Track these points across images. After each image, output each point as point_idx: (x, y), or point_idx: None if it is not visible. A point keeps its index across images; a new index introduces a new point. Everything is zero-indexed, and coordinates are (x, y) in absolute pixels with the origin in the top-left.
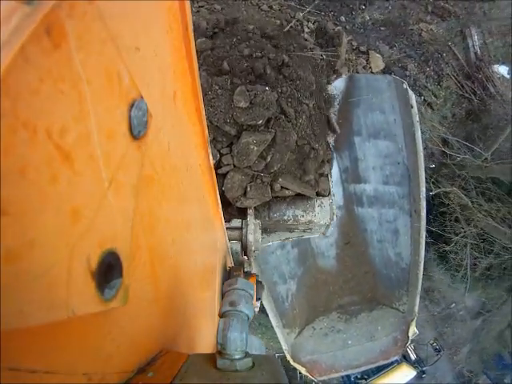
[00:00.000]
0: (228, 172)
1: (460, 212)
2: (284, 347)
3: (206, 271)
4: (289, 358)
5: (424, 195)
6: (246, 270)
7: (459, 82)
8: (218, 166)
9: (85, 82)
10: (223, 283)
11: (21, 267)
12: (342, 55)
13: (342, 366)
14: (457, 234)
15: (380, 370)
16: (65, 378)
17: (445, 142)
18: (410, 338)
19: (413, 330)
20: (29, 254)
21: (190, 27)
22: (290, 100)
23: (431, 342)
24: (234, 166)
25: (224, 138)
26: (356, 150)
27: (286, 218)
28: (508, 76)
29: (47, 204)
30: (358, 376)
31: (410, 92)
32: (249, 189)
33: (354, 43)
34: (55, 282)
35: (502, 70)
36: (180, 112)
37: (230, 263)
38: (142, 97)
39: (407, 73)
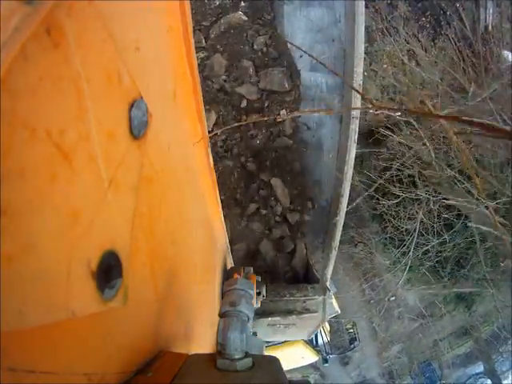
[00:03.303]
0: None
1: (418, 169)
2: None
3: (205, 271)
4: None
5: (360, 82)
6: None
7: (458, 48)
8: None
9: (84, 82)
10: (223, 283)
11: (20, 268)
12: None
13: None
14: (405, 192)
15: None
16: (64, 378)
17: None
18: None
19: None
20: (28, 255)
21: (190, 27)
22: None
23: (347, 327)
24: None
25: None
26: (283, 24)
27: None
28: None
29: (47, 204)
30: None
31: None
32: None
33: None
34: (55, 282)
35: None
36: (180, 112)
37: (230, 263)
38: (141, 97)
39: (395, 12)
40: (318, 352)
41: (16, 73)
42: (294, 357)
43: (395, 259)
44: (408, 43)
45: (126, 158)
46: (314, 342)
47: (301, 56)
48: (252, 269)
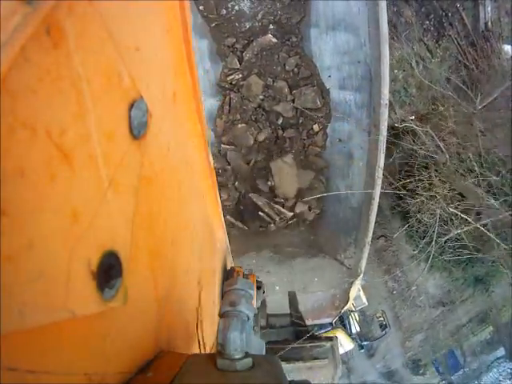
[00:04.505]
0: None
1: (434, 168)
2: None
3: (205, 271)
4: None
5: (386, 102)
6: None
7: (461, 48)
8: None
9: (84, 82)
10: (223, 283)
11: (20, 268)
12: None
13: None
14: (425, 190)
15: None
16: (65, 379)
17: (434, 98)
18: (351, 301)
19: (355, 291)
20: (28, 255)
21: (190, 27)
22: None
23: (378, 315)
24: None
25: None
26: (311, 46)
27: None
28: None
29: (46, 204)
30: None
31: None
32: None
33: None
34: (55, 282)
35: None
36: (180, 112)
37: (231, 263)
38: (141, 97)
39: (402, 19)
40: (353, 340)
41: (16, 73)
42: None
43: (419, 249)
44: (415, 48)
45: (126, 158)
46: (349, 330)
47: (329, 76)
48: (252, 269)
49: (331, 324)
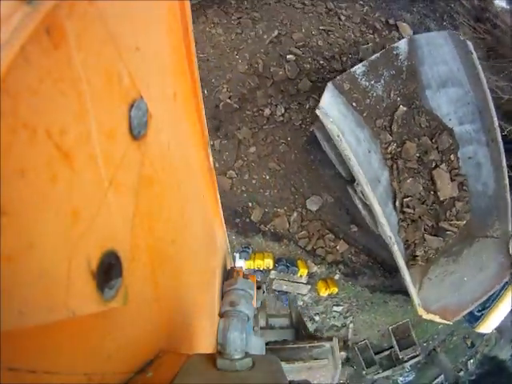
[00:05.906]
0: None
1: None
2: (416, 302)
3: (205, 271)
4: (421, 312)
5: (497, 124)
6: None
7: (472, 26)
8: None
9: (84, 82)
10: (223, 283)
11: (20, 268)
12: None
13: (467, 302)
14: None
15: (494, 297)
16: (65, 378)
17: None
18: None
19: None
20: (28, 255)
21: (190, 27)
22: None
23: None
24: None
25: None
26: (429, 103)
27: None
28: (508, 7)
29: (47, 204)
30: (480, 308)
31: (467, 41)
32: None
33: (383, 19)
34: (55, 282)
35: (501, 2)
36: (180, 112)
37: (231, 263)
38: (141, 97)
39: (422, 27)
40: None
41: (16, 73)
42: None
43: None
44: None
45: (126, 158)
46: None
47: (450, 119)
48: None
49: (507, 282)
